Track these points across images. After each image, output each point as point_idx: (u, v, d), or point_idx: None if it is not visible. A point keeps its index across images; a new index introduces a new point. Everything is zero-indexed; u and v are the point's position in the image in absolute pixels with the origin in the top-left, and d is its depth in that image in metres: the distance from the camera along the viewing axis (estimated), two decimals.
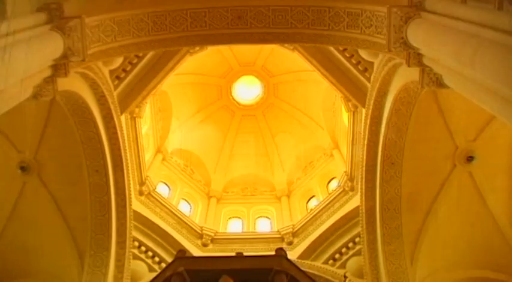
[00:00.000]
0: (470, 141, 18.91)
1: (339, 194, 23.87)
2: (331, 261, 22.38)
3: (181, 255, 12.13)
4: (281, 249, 12.60)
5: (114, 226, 21.08)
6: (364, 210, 21.37)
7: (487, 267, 21.01)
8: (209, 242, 24.78)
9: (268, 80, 29.70)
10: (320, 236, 23.29)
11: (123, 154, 21.01)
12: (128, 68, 20.26)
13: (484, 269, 21.14)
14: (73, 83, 16.40)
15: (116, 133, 20.34)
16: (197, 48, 21.90)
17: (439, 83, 12.80)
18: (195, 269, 11.21)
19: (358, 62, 19.78)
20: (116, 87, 19.98)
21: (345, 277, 11.47)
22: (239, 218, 28.44)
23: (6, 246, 20.92)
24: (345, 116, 24.61)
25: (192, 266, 11.25)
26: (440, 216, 20.61)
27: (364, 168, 20.92)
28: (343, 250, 22.55)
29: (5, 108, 11.67)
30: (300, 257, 22.16)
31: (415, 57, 13.12)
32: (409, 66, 13.45)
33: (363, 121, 20.65)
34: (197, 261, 11.42)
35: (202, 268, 11.37)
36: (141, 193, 23.65)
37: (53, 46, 12.57)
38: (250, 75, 29.89)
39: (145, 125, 25.50)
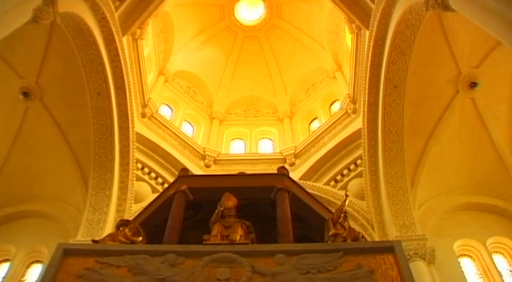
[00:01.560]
0: (474, 68, 18.73)
1: (341, 116, 23.88)
2: (332, 183, 22.63)
3: (184, 173, 12.25)
4: (283, 167, 12.71)
5: (117, 148, 21.19)
6: (366, 133, 21.38)
7: (487, 193, 21.17)
8: (212, 162, 25.00)
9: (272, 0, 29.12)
10: (322, 157, 23.43)
11: (125, 76, 20.86)
12: None
13: (484, 195, 21.29)
14: (73, 5, 16.07)
15: (118, 55, 20.11)
16: None
17: (445, 6, 12.52)
18: (198, 187, 11.36)
19: None
20: (116, 8, 19.58)
21: (346, 196, 11.56)
22: (241, 139, 28.54)
23: (11, 171, 21.11)
24: (348, 38, 24.24)
25: (195, 184, 11.39)
26: (442, 141, 20.66)
27: (366, 91, 20.79)
28: (345, 172, 22.75)
29: (5, 33, 11.50)
30: (302, 178, 22.38)
31: None
32: None
33: (366, 43, 20.35)
34: (200, 180, 11.58)
35: (205, 186, 11.53)
36: (143, 115, 23.68)
37: None
38: None
39: (147, 46, 25.22)
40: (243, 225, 9.89)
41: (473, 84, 19.03)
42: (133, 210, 19.71)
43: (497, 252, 20.72)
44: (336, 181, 22.66)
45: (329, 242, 9.33)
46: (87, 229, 19.74)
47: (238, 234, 9.55)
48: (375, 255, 8.51)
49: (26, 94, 19.67)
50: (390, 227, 19.73)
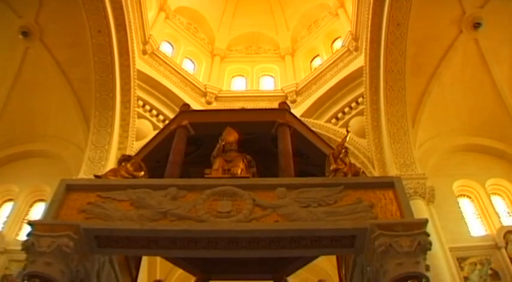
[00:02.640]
0: (478, 8, 18.46)
1: (343, 53, 23.71)
2: (333, 120, 22.67)
3: (186, 109, 12.21)
4: (284, 103, 12.67)
5: (118, 86, 21.15)
6: (368, 71, 21.29)
7: (488, 135, 21.25)
8: (213, 99, 25.01)
9: None
10: (323, 95, 23.42)
11: (125, 13, 20.63)
12: None
13: (484, 137, 21.38)
14: None
15: None
16: None
17: None
18: (199, 122, 11.35)
19: None
20: None
21: (347, 131, 11.57)
22: (243, 76, 28.45)
23: (12, 112, 21.16)
24: None
25: (196, 119, 11.38)
26: (444, 82, 20.59)
27: (369, 29, 20.61)
28: (346, 110, 22.77)
29: None
30: (303, 115, 22.39)
31: None
32: None
33: None
34: (201, 114, 11.56)
35: (206, 121, 11.52)
36: (144, 52, 23.50)
37: None
38: None
39: None
40: (244, 160, 9.94)
41: (477, 25, 18.83)
42: (134, 147, 19.80)
43: (496, 193, 20.95)
44: (337, 119, 22.70)
45: (330, 176, 9.39)
46: (89, 167, 19.89)
47: (240, 168, 9.61)
48: (375, 190, 8.57)
49: (25, 34, 19.53)
50: (390, 166, 19.87)
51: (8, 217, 21.02)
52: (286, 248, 8.14)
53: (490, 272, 17.92)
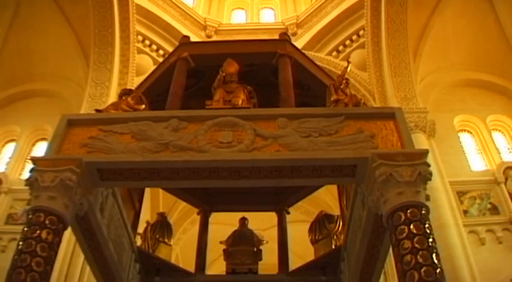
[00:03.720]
0: None
1: None
2: (334, 53, 22.50)
3: (186, 41, 12.10)
4: (285, 33, 12.56)
5: (117, 21, 20.92)
6: (369, 3, 21.02)
7: (489, 71, 21.17)
8: (213, 33, 24.80)
9: None
10: (324, 27, 23.22)
11: None
12: None
13: (485, 73, 21.31)
14: None
15: None
16: None
17: None
18: (200, 54, 11.27)
19: None
20: None
21: (348, 62, 11.48)
22: (242, 8, 28.12)
23: (11, 52, 21.01)
24: None
25: (197, 51, 11.28)
26: (446, 15, 20.36)
27: None
28: (347, 42, 22.58)
29: None
30: (304, 48, 22.13)
31: None
32: None
33: None
34: (201, 46, 11.47)
35: (207, 53, 11.43)
36: None
37: None
38: None
39: None
40: (245, 90, 9.91)
41: None
42: (135, 83, 19.65)
43: (496, 129, 21.02)
44: (338, 52, 22.52)
45: (331, 107, 9.37)
46: (89, 104, 19.89)
47: (240, 99, 9.59)
48: (375, 121, 8.55)
49: None
50: (391, 99, 19.85)
51: (10, 157, 21.19)
52: (287, 177, 8.19)
53: (489, 206, 18.17)
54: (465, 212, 18.05)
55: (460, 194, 18.44)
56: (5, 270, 7.01)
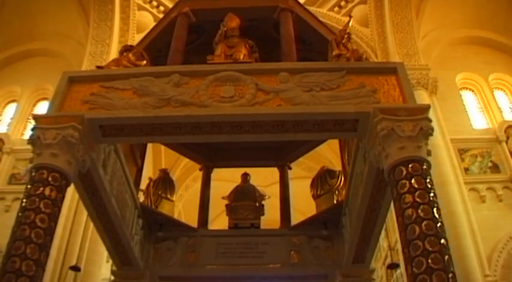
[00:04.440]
0: None
1: None
2: (336, 9, 22.24)
3: None
4: None
5: None
6: None
7: (492, 29, 21.09)
8: None
9: None
10: None
11: None
12: None
13: (488, 31, 21.25)
14: None
15: None
16: None
17: None
18: (201, 9, 11.17)
19: None
20: None
21: (350, 17, 11.39)
22: None
23: (10, 12, 20.91)
24: None
25: (198, 6, 11.15)
26: None
27: None
28: None
29: None
30: (305, 3, 21.45)
31: None
32: None
33: None
34: (202, 1, 11.25)
35: (208, 7, 11.31)
36: None
37: None
38: None
39: None
40: (247, 45, 9.86)
41: None
42: (135, 40, 19.56)
43: (498, 88, 21.04)
44: (340, 7, 22.25)
45: (332, 61, 9.32)
46: (90, 62, 19.86)
47: (242, 53, 9.53)
48: (377, 76, 8.51)
49: None
50: (393, 55, 19.77)
51: (12, 118, 21.25)
52: (289, 131, 8.19)
53: (490, 164, 18.31)
54: (466, 169, 18.18)
55: (461, 152, 18.55)
56: (9, 229, 7.07)
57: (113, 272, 11.88)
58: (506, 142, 18.77)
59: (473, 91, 21.65)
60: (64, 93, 8.52)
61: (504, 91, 21.58)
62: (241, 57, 9.44)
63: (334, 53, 9.39)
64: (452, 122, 19.23)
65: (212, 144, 13.49)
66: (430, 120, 7.77)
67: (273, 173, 14.46)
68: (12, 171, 18.91)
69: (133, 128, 8.37)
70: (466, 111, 20.52)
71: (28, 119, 20.83)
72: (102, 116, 8.25)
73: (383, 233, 11.91)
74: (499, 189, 17.69)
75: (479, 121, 20.53)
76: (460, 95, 20.99)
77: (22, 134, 20.45)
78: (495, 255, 16.32)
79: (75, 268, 13.26)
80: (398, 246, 14.56)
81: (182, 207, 23.53)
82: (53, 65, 21.10)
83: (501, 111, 20.59)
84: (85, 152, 8.04)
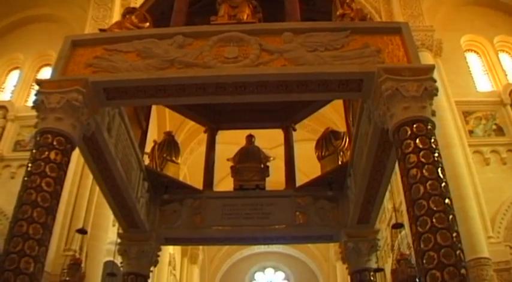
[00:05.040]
0: None
1: None
2: None
3: None
4: None
5: None
6: None
7: None
8: None
9: None
10: None
11: None
12: None
13: None
14: None
15: None
16: None
17: None
18: None
19: None
20: None
21: None
22: None
23: None
24: None
25: None
26: None
27: None
28: None
29: None
30: None
31: None
32: None
33: None
34: None
35: None
36: None
37: None
38: None
39: None
40: (250, 5, 9.74)
41: None
42: (138, 3, 19.44)
43: (503, 51, 20.91)
44: None
45: (336, 21, 9.25)
46: (93, 27, 19.76)
47: (246, 14, 9.45)
48: (382, 36, 8.45)
49: None
50: (398, 16, 19.63)
51: (15, 85, 21.22)
52: (293, 92, 8.18)
53: (494, 127, 18.29)
54: (470, 132, 18.19)
55: (466, 114, 18.54)
56: (15, 195, 7.08)
57: (119, 235, 12.00)
58: (511, 105, 18.72)
59: (478, 53, 21.51)
60: (67, 57, 8.47)
61: (509, 53, 21.44)
62: (245, 17, 9.35)
63: (338, 13, 9.33)
64: (457, 84, 19.16)
65: (216, 107, 13.52)
66: (435, 80, 7.73)
67: (277, 135, 14.48)
68: (17, 138, 18.96)
69: (137, 90, 8.35)
70: (471, 74, 20.42)
71: (31, 85, 20.79)
72: (106, 79, 8.23)
73: (388, 194, 11.95)
74: (503, 152, 17.72)
75: (483, 84, 20.45)
76: (465, 57, 20.85)
77: (26, 101, 20.43)
78: (498, 217, 16.44)
79: (82, 231, 13.36)
80: (403, 207, 14.69)
81: (187, 170, 23.66)
82: (56, 30, 20.95)
83: (506, 74, 20.47)
84: (89, 115, 8.04)
